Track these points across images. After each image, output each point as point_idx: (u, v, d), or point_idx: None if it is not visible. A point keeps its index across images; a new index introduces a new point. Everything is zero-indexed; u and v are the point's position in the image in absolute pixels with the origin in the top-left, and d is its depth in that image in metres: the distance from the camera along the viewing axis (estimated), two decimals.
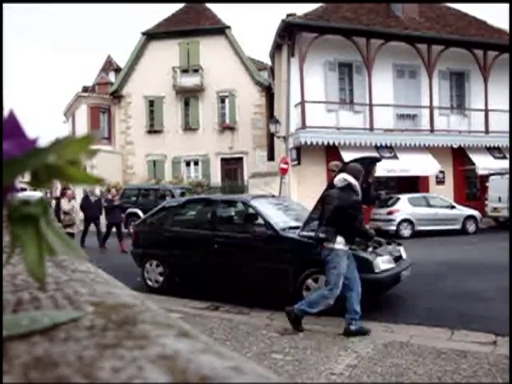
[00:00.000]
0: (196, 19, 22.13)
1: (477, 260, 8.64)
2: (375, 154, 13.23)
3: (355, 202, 4.63)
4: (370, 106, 16.03)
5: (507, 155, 16.19)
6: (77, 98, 23.87)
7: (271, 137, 19.37)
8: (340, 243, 4.58)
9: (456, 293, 6.01)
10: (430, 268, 7.86)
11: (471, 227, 13.95)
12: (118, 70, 26.50)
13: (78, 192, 20.16)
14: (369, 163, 5.74)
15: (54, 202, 12.24)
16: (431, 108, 16.61)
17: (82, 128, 22.29)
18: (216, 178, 21.24)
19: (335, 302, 5.16)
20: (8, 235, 0.30)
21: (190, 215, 7.30)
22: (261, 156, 21.35)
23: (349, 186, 4.63)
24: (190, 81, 21.45)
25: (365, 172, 5.63)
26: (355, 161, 5.93)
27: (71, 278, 0.51)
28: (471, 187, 17.88)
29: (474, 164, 16.28)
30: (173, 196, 13.66)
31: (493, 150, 16.85)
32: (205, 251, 6.09)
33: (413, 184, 16.15)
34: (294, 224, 5.92)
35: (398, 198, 13.76)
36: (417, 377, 3.45)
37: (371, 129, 16.01)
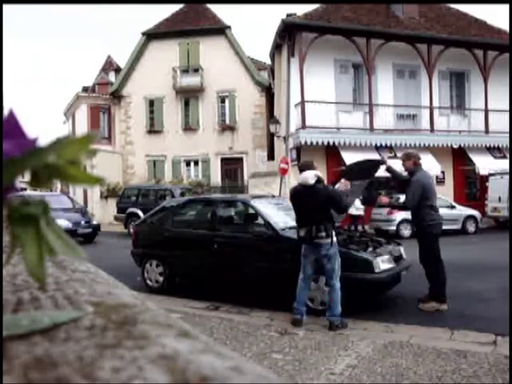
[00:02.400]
0: (196, 19, 22.14)
1: (477, 260, 8.64)
2: (378, 157, 13.30)
3: (335, 191, 4.82)
4: (370, 105, 16.03)
5: (507, 155, 16.19)
6: (77, 98, 23.88)
7: (271, 137, 19.37)
8: (334, 236, 4.74)
9: (456, 293, 6.01)
10: None
11: (471, 227, 13.94)
12: (118, 70, 26.52)
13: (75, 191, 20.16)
14: (372, 166, 5.84)
15: None
16: (431, 108, 16.61)
17: (82, 128, 22.29)
18: (216, 177, 21.24)
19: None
20: (8, 235, 0.30)
21: (189, 215, 7.30)
22: (261, 156, 21.35)
23: (319, 179, 4.79)
24: (190, 81, 21.46)
25: (368, 174, 5.74)
26: (359, 163, 6.05)
27: (71, 277, 0.51)
28: (471, 187, 17.88)
29: (474, 164, 16.28)
30: (173, 196, 13.65)
31: (493, 150, 16.85)
32: (205, 251, 6.09)
33: None
34: (293, 224, 5.92)
35: (398, 198, 13.75)
36: (417, 377, 3.45)
37: (371, 129, 16.02)
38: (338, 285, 4.73)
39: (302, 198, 4.76)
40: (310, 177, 4.75)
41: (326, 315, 4.79)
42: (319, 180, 4.78)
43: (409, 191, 5.40)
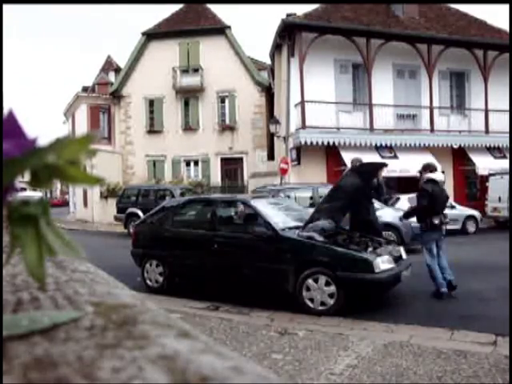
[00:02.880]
0: (196, 19, 22.12)
1: (477, 260, 8.64)
2: (378, 157, 13.36)
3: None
4: (370, 105, 16.03)
5: (507, 155, 16.19)
6: (77, 98, 23.88)
7: (271, 137, 19.37)
8: None
9: (456, 293, 6.01)
10: None
11: (471, 227, 13.93)
12: (117, 69, 26.52)
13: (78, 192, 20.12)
14: (376, 168, 6.04)
15: None
16: (431, 108, 16.61)
17: (82, 128, 22.29)
18: (216, 177, 21.23)
19: (336, 301, 5.18)
20: (8, 235, 0.30)
21: (189, 215, 7.30)
22: (261, 156, 21.34)
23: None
24: (190, 81, 21.44)
25: (372, 176, 6.00)
26: (363, 165, 6.22)
27: (71, 278, 0.51)
28: (471, 187, 17.88)
29: (474, 164, 16.28)
30: (173, 196, 13.65)
31: (493, 150, 16.84)
32: (204, 251, 6.09)
33: (413, 184, 16.14)
34: (293, 224, 5.92)
35: (398, 198, 13.75)
36: (417, 377, 3.45)
37: (371, 129, 16.01)
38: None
39: (437, 192, 5.89)
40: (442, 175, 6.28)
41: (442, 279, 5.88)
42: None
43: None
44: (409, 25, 17.00)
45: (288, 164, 14.90)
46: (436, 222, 5.84)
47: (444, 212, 6.02)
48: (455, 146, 16.53)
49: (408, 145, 15.81)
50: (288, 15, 16.33)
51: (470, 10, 20.55)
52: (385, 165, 6.32)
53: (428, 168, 6.10)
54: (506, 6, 14.78)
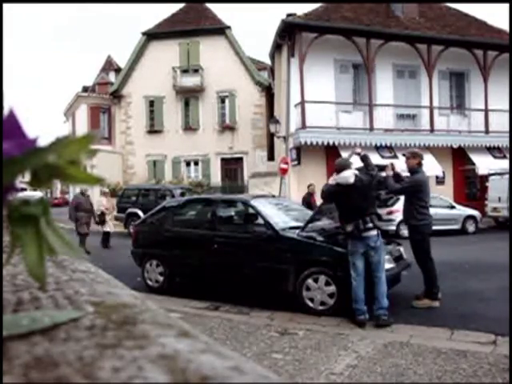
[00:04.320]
0: (196, 19, 22.13)
1: (477, 260, 8.64)
2: (378, 157, 13.31)
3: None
4: (370, 105, 16.03)
5: (507, 155, 16.18)
6: (77, 98, 23.89)
7: (271, 137, 19.37)
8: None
9: (456, 293, 6.01)
10: None
11: (471, 227, 13.93)
12: (118, 70, 26.53)
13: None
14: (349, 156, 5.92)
15: None
16: (431, 108, 16.61)
17: (82, 128, 22.29)
18: (216, 177, 21.24)
19: (336, 301, 5.18)
20: (8, 235, 0.30)
21: (190, 215, 7.30)
22: (261, 156, 21.35)
23: (356, 176, 4.90)
24: (190, 81, 21.45)
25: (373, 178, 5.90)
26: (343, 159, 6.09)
27: (71, 277, 0.51)
28: (471, 187, 17.87)
29: (474, 164, 16.28)
30: (173, 196, 13.64)
31: (493, 150, 16.84)
32: (205, 251, 6.09)
33: None
34: (293, 224, 5.92)
35: (398, 198, 13.74)
36: (417, 377, 3.45)
37: (371, 129, 16.01)
38: (384, 277, 4.79)
39: (345, 194, 4.84)
40: (350, 176, 4.82)
41: (374, 309, 4.78)
42: (356, 176, 4.88)
43: (403, 183, 5.57)
44: (409, 25, 17.00)
45: (288, 164, 14.90)
46: (348, 229, 4.84)
47: (363, 217, 4.75)
48: (455, 146, 16.53)
49: (408, 145, 15.78)
50: (288, 15, 16.32)
51: (470, 10, 20.56)
52: (357, 153, 6.09)
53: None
54: (506, 6, 14.79)
